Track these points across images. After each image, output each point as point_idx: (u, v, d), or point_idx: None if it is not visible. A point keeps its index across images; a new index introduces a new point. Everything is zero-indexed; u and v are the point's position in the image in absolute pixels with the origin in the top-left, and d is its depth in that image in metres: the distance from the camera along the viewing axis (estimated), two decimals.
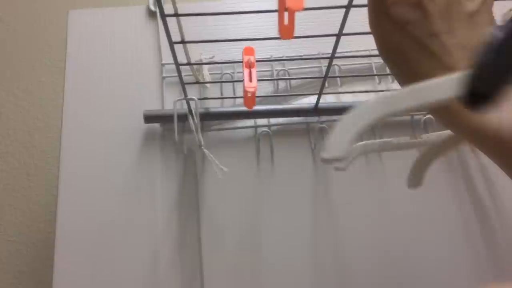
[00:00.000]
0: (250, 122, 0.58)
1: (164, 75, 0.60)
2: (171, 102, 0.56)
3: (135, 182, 0.55)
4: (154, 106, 0.58)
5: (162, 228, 0.53)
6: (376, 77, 0.60)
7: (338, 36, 0.45)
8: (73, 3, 0.94)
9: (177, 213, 0.53)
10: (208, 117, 0.55)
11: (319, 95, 0.53)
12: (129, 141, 0.56)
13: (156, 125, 0.57)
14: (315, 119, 0.57)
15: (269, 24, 0.64)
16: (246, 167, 0.56)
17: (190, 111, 0.53)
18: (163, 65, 0.61)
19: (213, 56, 0.61)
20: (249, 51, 0.52)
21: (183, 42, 0.48)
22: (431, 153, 0.38)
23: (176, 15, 0.48)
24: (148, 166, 0.55)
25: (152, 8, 0.65)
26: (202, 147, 0.52)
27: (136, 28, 0.64)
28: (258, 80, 0.59)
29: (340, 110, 0.56)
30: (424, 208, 0.54)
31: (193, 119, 0.52)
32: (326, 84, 0.59)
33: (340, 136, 0.23)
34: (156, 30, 0.63)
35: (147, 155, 0.56)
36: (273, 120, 0.58)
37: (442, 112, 0.28)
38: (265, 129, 0.55)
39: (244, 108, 0.54)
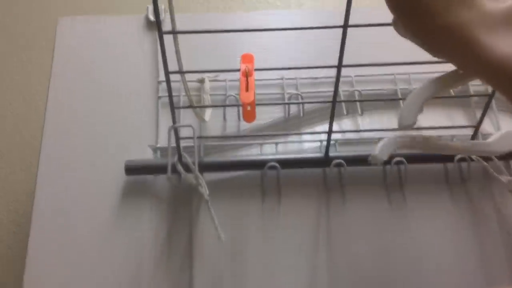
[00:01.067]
0: (255, 150, 0.51)
1: (160, 94, 0.53)
2: (167, 125, 0.49)
3: (118, 226, 0.47)
4: (148, 131, 0.51)
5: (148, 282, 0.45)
6: (401, 102, 0.53)
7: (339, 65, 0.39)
8: (66, 9, 0.86)
9: (166, 265, 0.46)
10: (208, 168, 0.48)
11: (329, 134, 0.46)
12: (112, 182, 0.49)
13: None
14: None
15: (279, 41, 0.58)
16: (249, 207, 0.48)
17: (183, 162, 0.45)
18: (159, 82, 0.54)
19: (217, 75, 0.54)
20: (247, 58, 0.44)
21: (180, 72, 0.42)
22: (431, 87, 0.33)
23: (174, 32, 0.41)
24: (133, 212, 0.48)
25: (151, 18, 0.58)
26: (208, 204, 0.45)
27: (131, 39, 0.57)
28: (267, 104, 0.52)
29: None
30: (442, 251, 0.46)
31: (189, 170, 0.45)
32: (344, 112, 0.53)
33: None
34: (154, 43, 0.56)
35: (132, 200, 0.48)
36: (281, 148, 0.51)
37: (464, 47, 0.25)
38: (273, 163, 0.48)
39: (247, 158, 0.49)
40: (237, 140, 0.51)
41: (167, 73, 0.39)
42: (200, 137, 0.50)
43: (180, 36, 0.43)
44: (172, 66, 0.53)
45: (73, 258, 0.45)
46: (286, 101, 0.53)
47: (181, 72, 0.44)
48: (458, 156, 0.48)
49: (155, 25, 0.56)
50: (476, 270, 0.45)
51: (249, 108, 0.44)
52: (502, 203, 0.48)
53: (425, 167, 0.50)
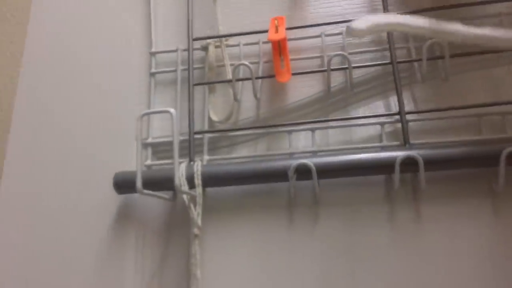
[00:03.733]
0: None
1: (153, 70, 0.39)
2: (160, 105, 0.36)
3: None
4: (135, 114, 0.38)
5: None
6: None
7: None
8: None
9: None
10: (209, 183, 0.33)
11: (402, 115, 0.29)
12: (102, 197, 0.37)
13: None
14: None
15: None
16: (272, 232, 0.33)
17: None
18: (152, 54, 0.39)
19: (227, 39, 0.38)
20: (280, 19, 0.35)
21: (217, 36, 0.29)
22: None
23: None
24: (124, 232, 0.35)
25: None
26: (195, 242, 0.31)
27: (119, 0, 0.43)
28: (304, 73, 0.36)
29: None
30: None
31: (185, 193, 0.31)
32: (419, 77, 0.35)
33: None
34: (146, 5, 0.42)
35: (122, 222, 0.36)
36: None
37: None
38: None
39: (266, 166, 0.34)
40: (255, 129, 0.36)
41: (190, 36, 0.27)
42: (201, 132, 0.36)
43: None
44: (171, 34, 0.40)
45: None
46: (329, 70, 0.36)
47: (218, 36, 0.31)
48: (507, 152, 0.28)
49: None
50: None
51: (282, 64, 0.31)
52: None
53: None
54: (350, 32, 0.27)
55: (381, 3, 0.35)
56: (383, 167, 0.31)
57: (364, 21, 0.27)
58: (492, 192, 0.31)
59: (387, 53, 0.34)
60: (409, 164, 0.30)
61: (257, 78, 0.36)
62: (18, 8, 0.72)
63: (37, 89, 0.40)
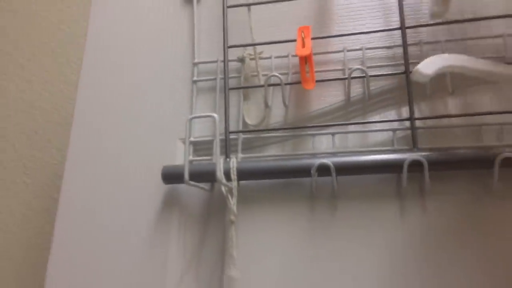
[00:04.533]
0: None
1: (195, 78, 0.45)
2: (201, 109, 0.42)
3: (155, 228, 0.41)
4: (181, 119, 0.44)
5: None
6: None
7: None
8: None
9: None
10: (244, 176, 0.40)
11: (412, 122, 0.34)
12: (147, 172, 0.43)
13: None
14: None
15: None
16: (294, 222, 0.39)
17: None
18: (195, 64, 0.46)
19: (261, 52, 0.44)
20: (306, 29, 0.40)
21: (251, 44, 0.34)
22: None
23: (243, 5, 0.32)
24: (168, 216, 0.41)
25: None
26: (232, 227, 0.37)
27: (166, 15, 0.49)
28: (323, 80, 0.41)
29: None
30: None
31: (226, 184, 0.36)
32: (427, 91, 0.39)
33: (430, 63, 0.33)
34: (190, 20, 0.48)
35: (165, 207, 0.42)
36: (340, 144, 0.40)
37: None
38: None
39: (292, 163, 0.39)
40: (284, 131, 0.42)
41: (226, 48, 0.33)
42: (236, 132, 0.41)
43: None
44: (211, 46, 0.45)
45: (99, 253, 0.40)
46: (349, 78, 0.41)
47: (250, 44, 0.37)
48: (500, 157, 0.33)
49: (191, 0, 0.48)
50: None
51: (308, 73, 0.38)
52: None
53: None
54: (418, 77, 0.32)
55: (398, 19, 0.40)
56: (394, 167, 0.36)
57: (429, 65, 0.32)
58: (487, 190, 0.36)
59: (402, 68, 0.39)
60: (415, 165, 0.35)
61: (286, 84, 0.42)
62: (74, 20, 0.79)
63: (96, 94, 0.47)
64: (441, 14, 0.34)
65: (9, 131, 0.74)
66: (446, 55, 0.34)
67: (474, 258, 0.35)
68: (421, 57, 0.40)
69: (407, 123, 0.38)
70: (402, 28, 0.39)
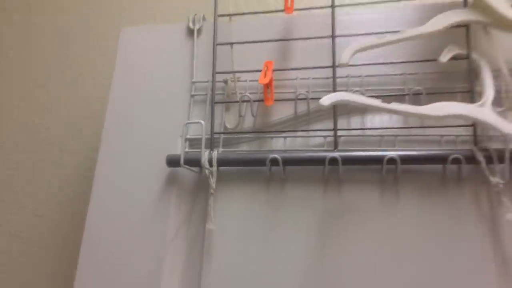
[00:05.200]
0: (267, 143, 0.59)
1: (193, 93, 0.63)
2: (196, 116, 0.60)
3: (158, 201, 0.60)
4: (181, 123, 0.62)
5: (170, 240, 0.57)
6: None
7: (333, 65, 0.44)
8: (117, 19, 0.97)
9: (185, 230, 0.57)
10: (222, 163, 0.58)
11: (335, 131, 0.52)
12: (159, 161, 0.61)
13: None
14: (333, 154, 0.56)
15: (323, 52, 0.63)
16: (256, 194, 0.57)
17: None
18: (193, 83, 0.64)
19: (239, 76, 0.62)
20: (269, 63, 0.57)
21: (231, 72, 0.51)
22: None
23: (230, 43, 0.50)
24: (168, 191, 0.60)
25: (191, 26, 0.68)
26: (211, 198, 0.55)
27: (174, 45, 0.68)
28: (280, 100, 0.59)
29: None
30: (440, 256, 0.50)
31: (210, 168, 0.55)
32: (348, 111, 0.57)
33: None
34: (192, 49, 0.66)
35: (167, 184, 0.60)
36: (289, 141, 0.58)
37: None
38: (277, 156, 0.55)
39: (255, 155, 0.58)
40: (252, 134, 0.60)
41: (214, 73, 0.53)
42: (218, 133, 0.60)
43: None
44: (205, 70, 0.64)
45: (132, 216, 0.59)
46: (298, 99, 0.59)
47: (232, 72, 0.54)
48: (452, 157, 0.50)
49: (193, 32, 0.66)
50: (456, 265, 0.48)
51: (268, 94, 0.56)
52: (490, 203, 0.49)
53: (421, 167, 0.53)
54: (319, 105, 0.47)
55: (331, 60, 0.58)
56: (320, 161, 0.54)
57: (326, 99, 0.47)
58: (381, 179, 0.54)
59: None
60: (335, 161, 0.53)
61: (254, 101, 0.60)
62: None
63: (124, 102, 0.65)
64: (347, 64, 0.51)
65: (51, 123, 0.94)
66: (344, 93, 0.50)
67: (380, 231, 0.53)
68: (348, 86, 0.58)
69: (333, 132, 0.56)
70: (334, 66, 0.57)
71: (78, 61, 0.99)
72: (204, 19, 0.68)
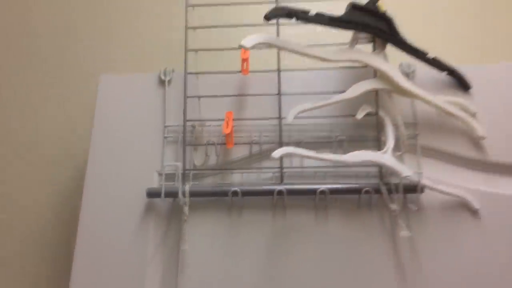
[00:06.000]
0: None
1: (166, 135, 0.77)
2: (171, 157, 0.74)
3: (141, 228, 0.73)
4: (156, 160, 0.75)
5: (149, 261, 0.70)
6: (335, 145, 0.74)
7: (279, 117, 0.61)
8: (92, 67, 1.09)
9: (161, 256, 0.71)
10: (193, 194, 0.72)
11: (281, 169, 0.68)
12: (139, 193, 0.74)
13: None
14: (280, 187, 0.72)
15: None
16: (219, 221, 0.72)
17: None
18: (166, 126, 0.77)
19: (204, 123, 0.77)
20: (229, 114, 0.70)
21: (199, 120, 0.65)
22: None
23: (198, 96, 0.64)
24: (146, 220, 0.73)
25: (162, 77, 0.81)
26: (184, 224, 0.69)
27: (148, 92, 0.80)
28: (238, 143, 0.75)
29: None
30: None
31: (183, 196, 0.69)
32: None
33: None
34: (163, 96, 0.80)
35: (147, 214, 0.73)
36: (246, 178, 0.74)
37: None
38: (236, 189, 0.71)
39: (220, 189, 0.72)
40: (216, 170, 0.75)
41: (185, 121, 0.66)
42: (189, 170, 0.74)
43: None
44: (176, 114, 0.77)
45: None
46: (252, 143, 0.75)
47: (199, 120, 0.67)
48: (365, 189, 0.69)
49: (164, 83, 0.80)
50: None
51: (230, 138, 0.71)
52: (391, 224, 0.69)
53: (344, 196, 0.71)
54: (272, 157, 0.62)
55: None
56: (270, 193, 0.70)
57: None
58: (358, 209, 0.71)
59: (278, 139, 0.74)
60: (281, 192, 0.69)
61: (218, 144, 0.75)
62: None
63: (107, 143, 0.77)
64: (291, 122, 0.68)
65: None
66: (290, 148, 0.67)
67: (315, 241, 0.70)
68: (290, 131, 0.75)
69: (279, 170, 0.72)
70: (280, 118, 0.74)
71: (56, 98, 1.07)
72: (173, 71, 0.82)
